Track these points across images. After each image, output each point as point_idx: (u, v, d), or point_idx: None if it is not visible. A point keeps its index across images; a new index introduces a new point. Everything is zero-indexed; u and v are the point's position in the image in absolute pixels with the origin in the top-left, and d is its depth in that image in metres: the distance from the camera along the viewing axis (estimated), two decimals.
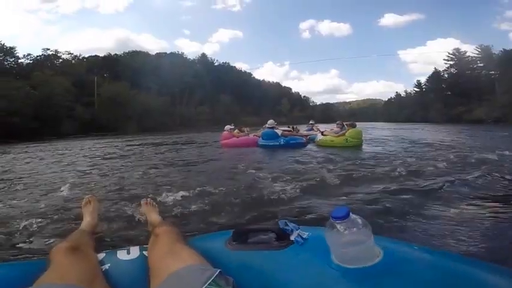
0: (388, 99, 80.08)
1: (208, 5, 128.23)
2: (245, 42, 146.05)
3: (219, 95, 54.76)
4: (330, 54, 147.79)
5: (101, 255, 1.00)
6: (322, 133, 8.60)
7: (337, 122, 8.76)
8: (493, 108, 33.53)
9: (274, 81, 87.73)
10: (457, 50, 48.84)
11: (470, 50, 47.80)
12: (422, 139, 10.17)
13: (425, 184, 3.30)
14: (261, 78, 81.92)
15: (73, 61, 41.97)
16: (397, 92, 75.02)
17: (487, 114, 32.61)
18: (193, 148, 9.38)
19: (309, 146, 8.18)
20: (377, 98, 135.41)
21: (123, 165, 5.87)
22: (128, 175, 4.52)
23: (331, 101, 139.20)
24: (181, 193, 2.99)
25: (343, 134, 7.87)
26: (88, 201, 1.80)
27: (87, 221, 1.64)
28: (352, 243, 0.70)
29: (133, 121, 32.67)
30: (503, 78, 37.04)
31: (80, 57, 44.68)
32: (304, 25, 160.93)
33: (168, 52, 58.80)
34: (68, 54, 41.49)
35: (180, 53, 60.95)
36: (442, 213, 2.38)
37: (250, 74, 75.48)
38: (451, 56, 49.19)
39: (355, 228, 0.71)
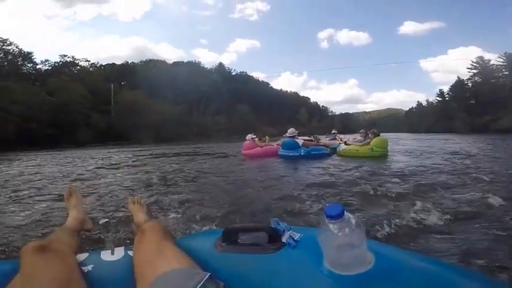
0: (410, 108, 78.68)
1: (226, 15, 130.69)
2: (262, 51, 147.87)
3: (235, 105, 54.54)
4: (349, 64, 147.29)
5: (83, 256, 0.94)
6: (345, 142, 8.27)
7: (361, 131, 8.38)
8: None
9: (292, 91, 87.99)
10: (481, 58, 47.50)
11: (493, 58, 46.74)
12: (454, 149, 9.34)
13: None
14: (279, 88, 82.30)
15: (90, 68, 42.49)
16: (418, 102, 73.54)
17: None
18: (213, 159, 8.75)
19: (332, 156, 7.77)
20: (397, 107, 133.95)
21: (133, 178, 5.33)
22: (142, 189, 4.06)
23: (350, 111, 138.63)
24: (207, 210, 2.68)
25: (368, 143, 7.50)
26: (69, 193, 1.59)
27: (72, 216, 1.46)
28: (346, 247, 0.66)
29: (150, 130, 32.34)
30: None
31: (97, 65, 45.31)
32: (323, 34, 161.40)
33: (185, 61, 59.78)
34: (86, 61, 42.06)
35: (197, 62, 61.86)
36: None
37: (267, 84, 75.75)
38: (475, 64, 47.93)
39: (349, 229, 0.65)
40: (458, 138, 19.70)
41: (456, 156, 7.32)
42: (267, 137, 10.34)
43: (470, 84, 49.13)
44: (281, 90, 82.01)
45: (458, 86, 51.11)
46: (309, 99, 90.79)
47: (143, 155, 11.28)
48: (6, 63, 30.95)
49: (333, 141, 9.93)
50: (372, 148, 7.38)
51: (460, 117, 43.71)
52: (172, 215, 2.53)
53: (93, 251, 1.00)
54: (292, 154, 7.57)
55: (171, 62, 58.14)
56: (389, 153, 7.72)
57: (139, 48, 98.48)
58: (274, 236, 0.85)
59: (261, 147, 8.94)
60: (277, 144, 8.98)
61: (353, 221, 0.67)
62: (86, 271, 0.88)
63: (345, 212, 0.67)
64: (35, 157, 12.36)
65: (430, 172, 4.59)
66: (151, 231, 0.95)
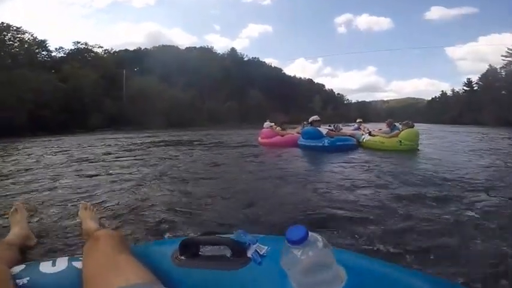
0: (432, 98, 75.22)
1: None
2: (275, 37, 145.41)
3: (247, 91, 53.38)
4: (369, 49, 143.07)
5: (19, 268, 0.86)
6: (369, 133, 7.42)
7: (387, 121, 7.67)
8: None
9: (306, 78, 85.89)
10: None
11: None
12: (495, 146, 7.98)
13: None
14: (292, 74, 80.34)
15: (104, 55, 42.26)
16: (442, 91, 70.14)
17: None
18: (226, 149, 7.80)
19: (358, 149, 6.92)
20: (418, 97, 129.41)
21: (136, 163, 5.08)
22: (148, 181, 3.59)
23: (368, 99, 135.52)
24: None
25: (396, 135, 6.65)
26: (15, 210, 1.61)
27: (13, 231, 1.49)
28: (313, 271, 0.62)
29: (161, 116, 32.05)
30: None
31: (111, 51, 45.09)
32: (340, 19, 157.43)
33: (197, 47, 58.83)
34: (99, 47, 41.74)
35: (209, 47, 60.78)
36: None
37: (280, 70, 74.00)
38: (511, 51, 44.00)
39: (314, 253, 0.61)
40: (485, 130, 18.26)
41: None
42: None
43: (503, 74, 45.51)
44: (295, 76, 79.97)
45: (490, 75, 47.76)
46: (323, 86, 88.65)
47: (148, 142, 10.69)
48: (22, 52, 30.75)
49: (357, 131, 9.08)
50: (401, 141, 6.50)
51: (489, 110, 40.85)
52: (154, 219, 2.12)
53: (31, 263, 0.93)
54: (314, 144, 6.75)
55: (183, 48, 57.36)
56: (419, 148, 6.68)
57: (153, 34, 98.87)
58: (238, 251, 0.78)
59: (282, 135, 8.23)
60: (298, 133, 8.23)
61: (319, 243, 0.62)
62: (20, 284, 0.80)
63: (309, 234, 0.62)
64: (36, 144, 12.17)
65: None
66: (106, 239, 0.85)
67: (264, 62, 69.74)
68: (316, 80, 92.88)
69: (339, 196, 2.72)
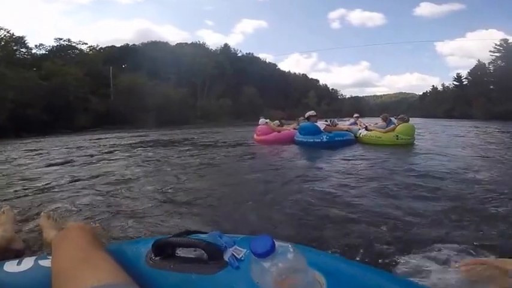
0: (424, 93, 76.62)
1: None
2: (270, 32, 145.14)
3: (241, 87, 52.45)
4: (362, 45, 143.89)
5: None
6: (366, 128, 7.44)
7: (383, 115, 7.67)
8: None
9: (301, 73, 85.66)
10: (505, 41, 44.83)
11: None
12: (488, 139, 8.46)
13: None
14: (287, 70, 79.97)
15: (90, 52, 40.90)
16: (433, 86, 71.50)
17: None
18: (223, 148, 7.47)
19: (355, 144, 6.98)
20: (410, 91, 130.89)
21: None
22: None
23: (361, 94, 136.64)
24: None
25: (392, 130, 6.70)
26: (2, 212, 1.60)
27: None
28: (286, 282, 0.58)
29: (152, 113, 31.20)
30: None
31: (97, 48, 43.68)
32: (334, 14, 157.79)
33: (189, 43, 57.91)
34: (83, 44, 40.13)
35: (201, 43, 59.72)
36: None
37: (275, 65, 73.25)
38: (498, 47, 45.36)
39: (283, 264, 0.58)
40: (476, 124, 19.17)
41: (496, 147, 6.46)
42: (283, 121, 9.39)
43: (491, 69, 46.43)
44: (289, 72, 79.45)
45: (478, 70, 48.72)
46: (318, 81, 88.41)
47: (137, 142, 10.09)
48: None
49: (353, 126, 8.92)
50: (397, 135, 6.56)
51: (478, 104, 41.74)
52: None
53: None
54: (312, 140, 6.61)
55: (174, 44, 55.89)
56: (416, 142, 6.86)
57: (142, 30, 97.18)
58: (215, 254, 0.74)
59: (279, 132, 7.99)
60: (294, 128, 8.14)
61: (289, 253, 0.59)
62: None
63: (277, 245, 0.59)
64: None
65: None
66: (77, 232, 0.80)
67: (259, 57, 68.74)
68: (310, 75, 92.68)
69: (338, 194, 2.68)
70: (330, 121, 8.42)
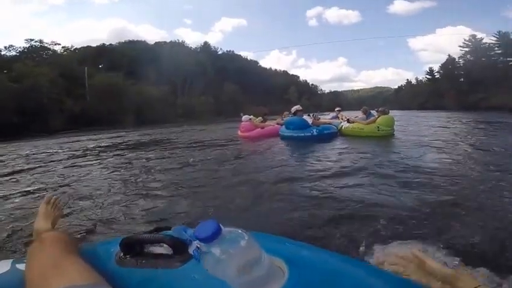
0: (399, 86, 78.90)
1: None
2: (250, 31, 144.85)
3: (223, 84, 52.21)
4: (338, 42, 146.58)
5: None
6: (348, 120, 7.64)
7: (363, 108, 7.97)
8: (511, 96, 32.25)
9: (282, 70, 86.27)
10: (473, 36, 47.40)
11: (483, 37, 46.88)
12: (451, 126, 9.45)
13: None
14: (268, 67, 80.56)
15: (64, 52, 39.67)
16: (407, 80, 73.98)
17: (507, 102, 31.46)
18: (205, 146, 7.17)
19: (338, 137, 7.11)
20: (386, 86, 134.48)
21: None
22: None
23: (339, 89, 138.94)
24: None
25: (373, 122, 6.93)
26: None
27: None
28: (241, 270, 0.54)
29: (131, 113, 30.48)
30: None
31: (72, 49, 42.33)
32: (311, 13, 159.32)
33: (167, 41, 56.90)
34: (56, 44, 38.76)
35: (181, 41, 58.86)
36: None
37: (256, 62, 73.59)
38: (467, 42, 47.88)
39: (235, 249, 0.54)
40: (449, 115, 19.87)
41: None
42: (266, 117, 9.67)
43: (461, 63, 48.78)
44: (270, 68, 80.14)
45: (449, 64, 51.02)
46: (298, 77, 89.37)
47: (114, 144, 9.82)
48: None
49: (335, 119, 9.20)
50: (378, 127, 6.81)
51: (450, 96, 43.84)
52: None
53: None
54: (303, 134, 6.71)
55: (152, 43, 54.79)
56: (395, 133, 7.09)
57: (119, 30, 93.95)
58: (179, 248, 0.73)
59: (262, 128, 8.17)
60: (278, 124, 8.30)
61: (239, 238, 0.55)
62: None
63: (222, 229, 0.55)
64: None
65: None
66: (52, 241, 0.81)
67: (239, 55, 68.71)
68: (291, 72, 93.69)
69: (328, 188, 2.73)
70: (313, 115, 8.60)
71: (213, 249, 0.54)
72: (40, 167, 5.22)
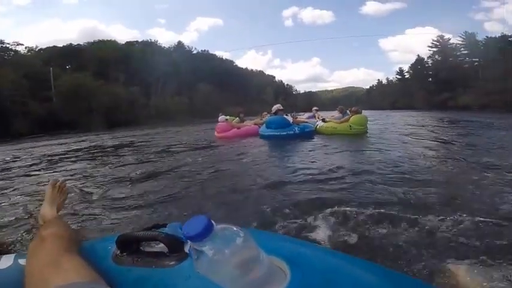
0: (370, 86, 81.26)
1: None
2: (225, 30, 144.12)
3: (198, 84, 51.41)
4: (312, 43, 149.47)
5: None
6: (323, 119, 7.90)
7: (338, 107, 8.25)
8: (478, 95, 33.89)
9: (258, 70, 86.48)
10: (441, 37, 49.40)
11: (449, 37, 48.83)
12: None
13: None
14: (244, 67, 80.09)
15: (29, 53, 37.61)
16: (378, 80, 76.46)
17: (473, 101, 33.07)
18: (180, 150, 6.84)
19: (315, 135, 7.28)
20: (358, 86, 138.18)
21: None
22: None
23: (313, 89, 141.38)
24: None
25: (347, 121, 7.18)
26: None
27: None
28: (237, 271, 0.50)
29: (101, 115, 29.15)
30: (487, 65, 37.77)
31: (36, 49, 40.11)
32: (287, 12, 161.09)
33: (139, 41, 54.96)
34: (18, 45, 36.47)
35: (153, 41, 57.02)
36: None
37: (232, 62, 72.83)
38: (435, 43, 49.84)
39: (228, 248, 0.49)
40: (419, 114, 21.14)
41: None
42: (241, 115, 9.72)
43: (430, 62, 50.77)
44: (246, 68, 79.83)
45: (418, 64, 52.92)
46: (274, 77, 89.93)
47: (81, 148, 9.20)
48: None
49: (312, 119, 9.67)
50: (351, 126, 7.06)
51: (419, 95, 45.53)
52: None
53: None
54: (286, 133, 6.86)
55: (123, 43, 52.29)
56: (368, 131, 7.36)
57: (88, 30, 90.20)
58: (175, 246, 0.72)
59: (238, 128, 8.21)
60: (255, 124, 8.40)
61: (233, 235, 0.50)
62: None
63: (217, 226, 0.50)
64: None
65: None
66: (52, 239, 0.83)
67: (215, 54, 67.55)
68: (267, 72, 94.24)
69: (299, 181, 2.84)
70: (291, 115, 8.72)
71: (204, 248, 0.49)
72: None
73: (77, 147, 8.88)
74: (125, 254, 0.77)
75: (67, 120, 27.38)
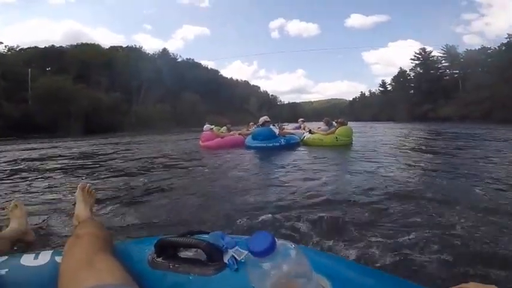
0: (353, 98, 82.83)
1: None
2: (212, 39, 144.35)
3: (181, 93, 50.92)
4: (297, 55, 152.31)
5: (0, 259, 0.83)
6: (309, 131, 7.85)
7: (325, 119, 8.00)
8: (458, 106, 34.94)
9: (243, 80, 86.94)
10: (423, 49, 51.01)
11: (430, 50, 50.51)
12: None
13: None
14: (229, 76, 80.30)
15: (9, 52, 36.52)
16: (361, 92, 78.12)
17: (454, 112, 34.06)
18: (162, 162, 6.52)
19: (300, 147, 7.25)
20: (341, 98, 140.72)
21: None
22: None
23: (297, 100, 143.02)
24: None
25: (333, 132, 7.21)
26: (15, 205, 1.65)
27: (10, 226, 1.54)
28: (287, 287, 0.52)
29: (79, 120, 28.23)
30: (467, 77, 39.14)
31: (17, 49, 38.98)
32: (274, 24, 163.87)
33: (124, 46, 54.24)
34: None
35: (138, 47, 56.54)
36: None
37: (217, 72, 73.01)
38: (417, 55, 51.34)
39: (287, 265, 0.51)
40: (401, 125, 21.58)
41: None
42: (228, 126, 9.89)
43: (412, 75, 52.14)
44: (231, 78, 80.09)
45: (400, 76, 54.31)
46: (259, 88, 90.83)
47: (54, 156, 8.64)
48: None
49: (298, 130, 9.58)
50: (337, 137, 7.11)
51: (401, 107, 46.45)
52: None
53: (14, 255, 0.87)
54: (272, 145, 6.84)
55: (107, 47, 51.41)
56: (353, 142, 7.47)
57: (73, 32, 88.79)
58: (214, 255, 0.72)
59: (222, 137, 8.15)
60: (240, 134, 8.42)
61: (291, 252, 0.53)
62: None
63: (278, 243, 0.53)
64: None
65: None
66: (87, 237, 0.83)
67: (200, 63, 67.47)
68: (252, 82, 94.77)
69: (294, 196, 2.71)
70: (279, 126, 8.80)
71: (264, 263, 0.51)
72: None
73: (41, 154, 8.34)
74: (161, 258, 0.76)
75: (43, 123, 26.43)
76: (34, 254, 0.84)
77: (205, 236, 0.80)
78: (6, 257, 0.84)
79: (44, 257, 0.83)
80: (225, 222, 2.05)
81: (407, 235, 1.65)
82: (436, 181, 3.10)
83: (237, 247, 0.72)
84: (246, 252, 0.67)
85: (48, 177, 4.32)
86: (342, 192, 2.70)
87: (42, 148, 10.73)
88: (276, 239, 0.52)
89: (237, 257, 0.70)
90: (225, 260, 0.70)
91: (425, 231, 1.69)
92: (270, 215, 2.05)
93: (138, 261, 0.78)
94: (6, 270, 0.78)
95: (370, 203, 2.32)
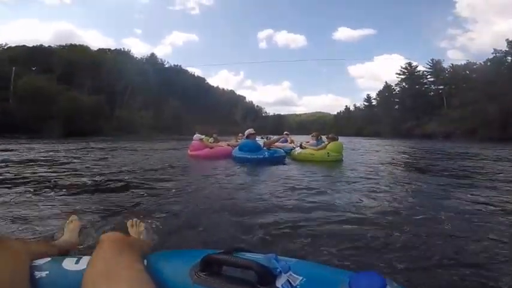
0: (338, 112, 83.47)
1: (166, 6, 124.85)
2: (201, 47, 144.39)
3: (166, 99, 50.29)
4: (284, 67, 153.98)
5: (42, 261, 0.83)
6: (300, 146, 7.88)
7: (312, 134, 8.13)
8: (442, 123, 35.44)
9: (229, 89, 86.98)
10: (409, 64, 51.00)
11: (415, 65, 50.69)
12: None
13: None
14: (215, 85, 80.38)
15: None
16: (346, 106, 78.70)
17: (438, 128, 34.49)
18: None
19: (287, 160, 7.31)
20: (325, 111, 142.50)
21: None
22: None
23: (282, 112, 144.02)
24: None
25: (324, 148, 7.29)
26: (71, 221, 1.74)
27: (64, 237, 1.59)
28: None
29: (59, 122, 27.31)
30: (452, 93, 39.91)
31: (5, 47, 38.39)
32: (262, 34, 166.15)
33: (112, 49, 53.54)
34: None
35: (127, 50, 55.78)
36: None
37: (203, 79, 72.82)
38: (403, 70, 51.24)
39: None
40: (387, 142, 22.02)
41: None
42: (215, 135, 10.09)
43: (397, 90, 52.56)
44: (217, 87, 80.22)
45: (386, 91, 54.81)
46: (244, 98, 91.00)
47: (29, 159, 8.16)
48: None
49: (285, 143, 9.56)
50: (328, 153, 7.17)
51: (385, 122, 46.87)
52: None
53: (57, 258, 0.88)
54: (256, 157, 6.90)
55: (95, 49, 50.50)
56: (343, 158, 7.56)
57: (64, 33, 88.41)
58: (267, 278, 0.69)
59: (211, 148, 8.26)
60: (228, 145, 8.62)
61: None
62: (38, 276, 0.78)
63: (387, 285, 0.51)
64: None
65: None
66: (109, 243, 0.78)
67: (187, 70, 67.34)
68: (238, 92, 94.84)
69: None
70: (267, 137, 9.08)
71: None
72: None
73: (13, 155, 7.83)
74: (204, 273, 0.74)
75: (22, 123, 25.52)
76: (76, 258, 0.84)
77: (255, 255, 0.78)
78: (49, 259, 0.84)
79: (85, 261, 0.81)
80: (220, 234, 2.01)
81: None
82: (434, 201, 3.15)
83: (290, 272, 0.70)
84: (301, 277, 0.68)
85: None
86: (351, 211, 2.67)
87: (15, 149, 10.03)
88: (386, 281, 0.50)
89: (292, 283, 0.67)
90: (278, 284, 0.67)
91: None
92: (263, 230, 2.07)
93: (180, 273, 0.76)
94: (47, 272, 0.78)
95: (378, 222, 2.36)
